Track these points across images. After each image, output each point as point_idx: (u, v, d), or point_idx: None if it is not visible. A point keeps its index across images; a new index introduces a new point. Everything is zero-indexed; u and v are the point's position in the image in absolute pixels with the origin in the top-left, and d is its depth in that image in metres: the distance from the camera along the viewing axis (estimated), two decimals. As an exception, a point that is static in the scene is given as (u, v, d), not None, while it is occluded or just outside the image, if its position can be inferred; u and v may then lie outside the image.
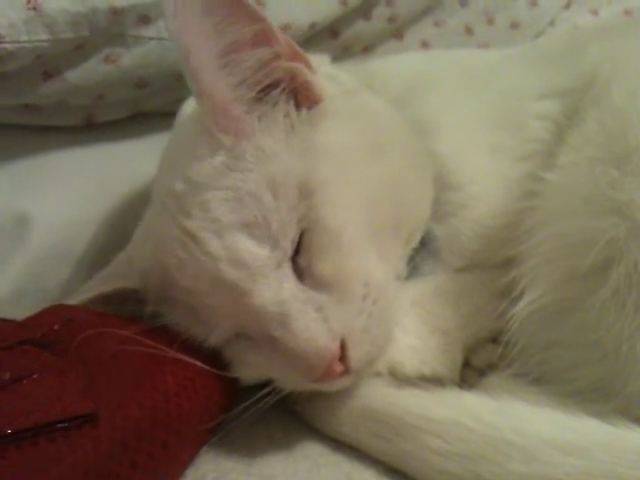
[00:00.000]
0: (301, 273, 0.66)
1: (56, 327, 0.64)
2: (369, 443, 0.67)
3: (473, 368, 0.76)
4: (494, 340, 0.75)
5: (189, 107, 0.80)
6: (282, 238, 0.64)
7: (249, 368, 0.69)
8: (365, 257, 0.68)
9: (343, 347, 0.63)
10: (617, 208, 0.64)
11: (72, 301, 0.74)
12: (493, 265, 0.77)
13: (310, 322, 0.63)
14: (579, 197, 0.67)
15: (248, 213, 0.64)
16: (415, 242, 0.75)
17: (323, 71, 0.75)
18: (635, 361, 0.62)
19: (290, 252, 0.65)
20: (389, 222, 0.71)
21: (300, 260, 0.66)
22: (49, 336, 0.63)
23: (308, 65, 0.71)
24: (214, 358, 0.68)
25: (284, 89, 0.69)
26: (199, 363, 0.66)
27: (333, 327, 0.63)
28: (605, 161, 0.67)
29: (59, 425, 0.53)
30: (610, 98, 0.71)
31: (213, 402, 0.66)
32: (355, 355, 0.64)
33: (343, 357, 0.64)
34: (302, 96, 0.70)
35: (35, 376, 0.57)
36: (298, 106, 0.70)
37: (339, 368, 0.63)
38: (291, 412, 0.74)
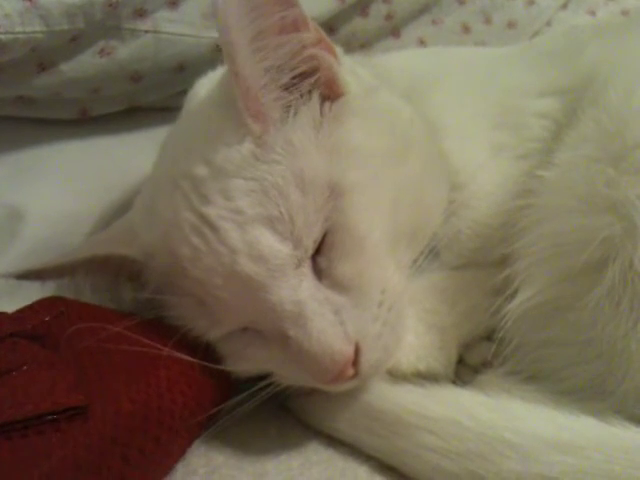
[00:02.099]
0: (320, 273, 0.65)
1: (47, 319, 0.63)
2: (364, 439, 0.67)
3: (467, 365, 0.75)
4: (489, 338, 0.75)
5: (203, 89, 0.79)
6: (305, 237, 0.63)
7: (249, 362, 0.68)
8: (385, 263, 0.67)
9: (356, 352, 0.63)
10: (612, 206, 0.64)
11: (66, 259, 0.72)
12: (489, 263, 0.77)
13: (327, 324, 0.62)
14: (575, 196, 0.67)
15: (273, 207, 0.63)
16: (423, 247, 0.74)
17: (346, 64, 0.73)
18: (630, 359, 0.62)
19: (311, 251, 0.64)
20: (408, 228, 0.70)
21: (320, 260, 0.65)
22: (40, 328, 0.62)
23: (335, 56, 0.70)
24: (207, 352, 0.68)
25: (319, 78, 0.68)
26: (192, 358, 0.66)
27: (349, 331, 0.63)
28: (601, 160, 0.67)
29: (49, 417, 0.53)
30: (607, 97, 0.71)
31: (206, 397, 0.65)
32: (367, 361, 0.64)
33: (355, 362, 0.63)
34: (326, 88, 0.69)
35: (25, 368, 0.57)
36: (323, 99, 0.69)
37: (350, 372, 0.63)
38: (284, 407, 0.74)
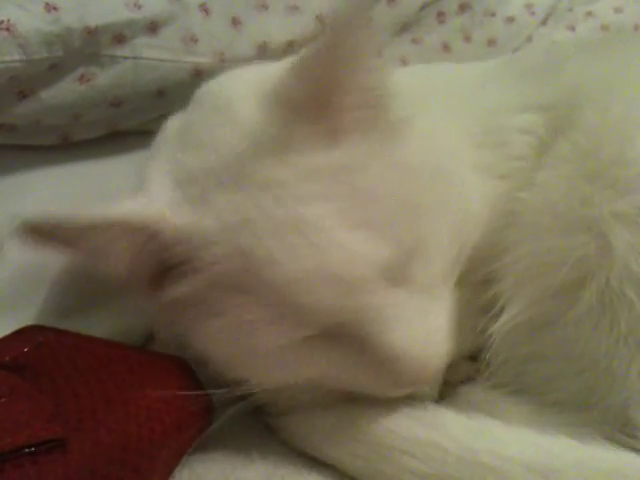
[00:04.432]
0: (405, 280, 0.65)
1: (26, 350, 0.63)
2: (346, 462, 0.67)
3: (449, 384, 0.76)
4: (471, 357, 0.76)
5: (237, 87, 0.77)
6: (396, 243, 0.63)
7: (301, 370, 0.66)
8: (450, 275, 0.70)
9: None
10: (587, 226, 0.65)
11: (89, 217, 0.63)
12: (476, 282, 0.77)
13: (417, 329, 0.63)
14: (551, 215, 0.68)
15: (369, 213, 0.63)
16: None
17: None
18: (613, 377, 0.63)
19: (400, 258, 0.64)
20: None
21: (406, 267, 0.65)
22: (19, 359, 0.62)
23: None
24: (189, 378, 0.68)
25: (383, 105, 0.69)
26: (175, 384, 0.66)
27: (432, 338, 0.64)
28: (578, 178, 0.67)
29: (26, 450, 0.52)
30: (584, 116, 0.72)
31: (187, 424, 0.65)
32: (437, 366, 0.65)
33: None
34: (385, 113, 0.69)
35: (3, 400, 0.56)
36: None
37: (426, 377, 0.64)
38: (267, 430, 0.74)
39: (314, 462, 0.68)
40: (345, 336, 0.63)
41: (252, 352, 0.64)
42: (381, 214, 0.63)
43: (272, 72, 0.71)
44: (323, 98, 0.63)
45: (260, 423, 0.74)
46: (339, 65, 0.62)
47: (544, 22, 1.41)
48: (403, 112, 0.71)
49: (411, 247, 0.64)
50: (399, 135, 0.69)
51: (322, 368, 0.66)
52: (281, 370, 0.66)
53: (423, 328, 0.64)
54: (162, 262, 0.66)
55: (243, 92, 0.74)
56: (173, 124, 0.79)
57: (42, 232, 0.63)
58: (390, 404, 0.69)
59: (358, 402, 0.69)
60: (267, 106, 0.68)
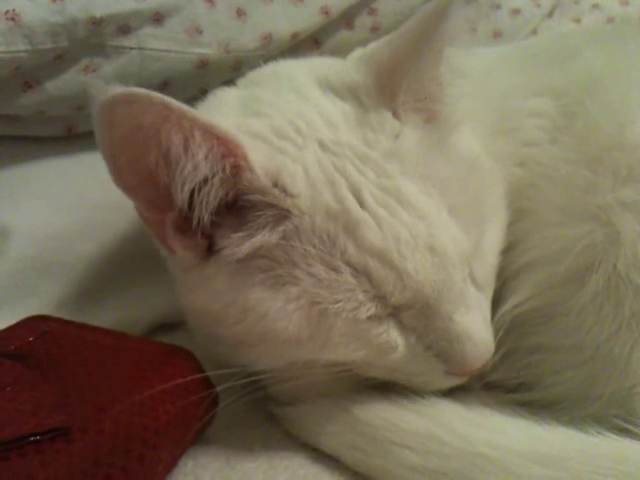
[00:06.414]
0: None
1: (31, 339, 0.63)
2: (346, 454, 0.67)
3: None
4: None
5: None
6: (473, 237, 0.65)
7: (368, 349, 0.64)
8: None
9: None
10: (593, 214, 0.65)
11: None
12: None
13: (482, 318, 0.65)
14: (556, 207, 0.68)
15: (454, 202, 0.64)
16: None
17: None
18: (614, 364, 0.64)
19: None
20: None
21: None
22: (24, 349, 0.62)
23: None
24: (194, 368, 0.68)
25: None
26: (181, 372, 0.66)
27: (489, 329, 0.66)
28: (577, 163, 0.68)
29: (31, 438, 0.52)
30: (586, 103, 0.72)
31: (191, 414, 0.65)
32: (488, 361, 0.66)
33: None
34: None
35: (8, 389, 0.57)
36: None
37: (483, 368, 0.66)
38: (270, 421, 0.74)
39: (318, 454, 0.69)
40: (418, 314, 0.63)
41: (323, 327, 0.61)
42: (458, 203, 0.64)
43: (318, 64, 0.76)
44: (394, 85, 0.65)
45: (264, 415, 0.74)
46: (424, 50, 0.63)
47: (550, 14, 1.40)
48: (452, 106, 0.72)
49: (477, 241, 0.66)
50: (452, 128, 0.70)
51: (382, 350, 0.64)
52: (343, 348, 0.63)
53: (485, 322, 0.66)
54: (234, 197, 0.61)
55: (303, 75, 0.74)
56: (227, 97, 0.75)
57: (135, 104, 0.58)
58: (390, 396, 0.68)
59: (358, 394, 0.69)
60: (343, 86, 0.69)
